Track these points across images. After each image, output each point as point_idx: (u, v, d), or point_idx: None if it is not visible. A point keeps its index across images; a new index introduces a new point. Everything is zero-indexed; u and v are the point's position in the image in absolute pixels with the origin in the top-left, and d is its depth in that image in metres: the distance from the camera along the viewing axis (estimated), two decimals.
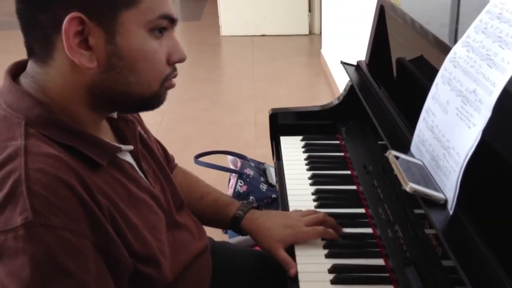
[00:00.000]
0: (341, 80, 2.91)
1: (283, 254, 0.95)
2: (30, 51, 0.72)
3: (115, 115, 0.84)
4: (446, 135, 0.79)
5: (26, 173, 0.62)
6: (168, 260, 0.80)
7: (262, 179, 2.00)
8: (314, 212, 1.05)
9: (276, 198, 1.86)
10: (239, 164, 2.06)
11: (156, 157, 0.92)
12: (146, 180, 0.84)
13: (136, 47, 0.70)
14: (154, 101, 0.77)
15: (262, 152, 2.54)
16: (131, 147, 0.81)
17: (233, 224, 1.04)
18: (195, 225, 0.98)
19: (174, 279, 0.81)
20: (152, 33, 0.72)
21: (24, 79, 0.74)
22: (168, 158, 1.11)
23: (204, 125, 3.13)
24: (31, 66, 0.73)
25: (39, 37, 0.70)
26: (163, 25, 0.72)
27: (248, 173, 1.98)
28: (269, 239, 0.99)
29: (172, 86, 0.77)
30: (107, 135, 0.80)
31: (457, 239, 0.69)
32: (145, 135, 0.93)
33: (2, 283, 0.60)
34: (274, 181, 1.98)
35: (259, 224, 1.02)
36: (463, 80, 0.77)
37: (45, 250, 0.61)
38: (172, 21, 0.74)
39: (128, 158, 0.82)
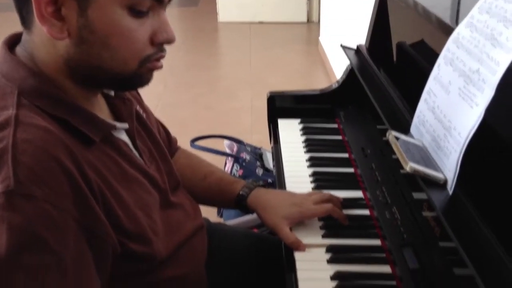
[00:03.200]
0: (339, 69, 2.90)
1: (288, 232, 0.94)
2: (21, 17, 0.71)
3: (112, 92, 0.83)
4: (448, 115, 0.79)
5: (14, 142, 0.61)
6: (161, 238, 0.80)
7: (258, 163, 1.99)
8: (320, 192, 1.04)
9: (272, 183, 1.86)
10: (235, 149, 2.05)
11: (153, 137, 0.91)
12: (140, 159, 0.83)
13: (109, 22, 0.68)
14: (136, 80, 0.75)
15: (258, 138, 2.54)
16: (126, 125, 0.80)
17: (239, 202, 1.03)
18: (191, 204, 0.97)
19: (168, 257, 0.81)
20: (131, 11, 0.69)
21: (19, 49, 0.73)
22: (171, 140, 1.10)
23: (200, 111, 3.11)
24: (23, 34, 0.73)
25: (24, 1, 0.69)
26: (144, 4, 0.70)
27: (244, 157, 1.97)
28: (275, 216, 0.97)
29: (156, 67, 0.75)
30: (102, 112, 0.79)
31: (456, 219, 0.69)
32: (143, 115, 0.92)
33: None
34: (271, 166, 1.97)
35: (265, 201, 1.00)
36: (466, 60, 0.77)
37: (23, 220, 0.59)
38: (159, 1, 0.71)
39: (123, 136, 0.81)
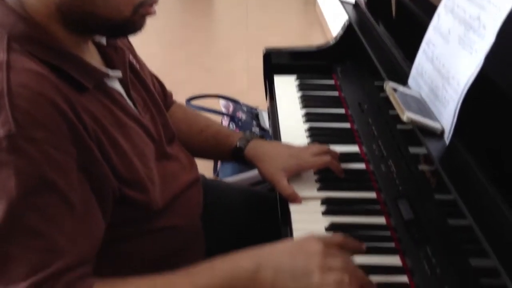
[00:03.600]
0: (336, 28, 2.85)
1: (285, 184, 0.92)
2: None
3: (104, 41, 0.81)
4: (447, 65, 0.77)
5: (9, 87, 0.60)
6: (158, 188, 0.79)
7: (254, 122, 1.98)
8: (317, 144, 1.03)
9: None
10: (231, 108, 2.04)
11: (147, 87, 0.90)
12: (134, 109, 0.82)
13: None
14: (129, 26, 0.73)
15: (254, 99, 2.51)
16: (119, 73, 0.79)
17: (236, 154, 1.02)
18: (187, 158, 0.97)
19: (164, 207, 0.81)
20: None
21: None
22: (166, 94, 1.09)
23: (195, 71, 3.08)
24: None
25: None
26: None
27: (240, 116, 1.96)
28: (272, 167, 0.95)
29: (149, 12, 0.73)
30: (94, 60, 0.77)
31: (453, 168, 0.69)
32: (136, 65, 0.91)
33: None
34: (267, 126, 1.97)
35: (263, 153, 0.99)
36: (467, 7, 0.75)
37: (28, 162, 0.59)
38: None
39: (117, 85, 0.79)
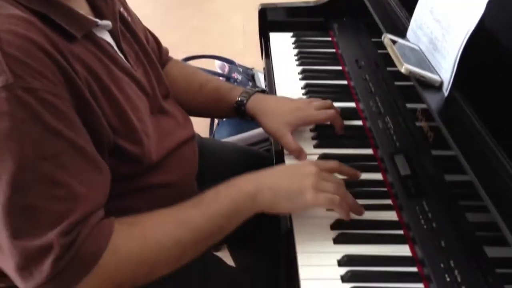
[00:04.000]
0: None
1: (291, 139, 0.90)
2: None
3: None
4: (447, 14, 0.75)
5: None
6: (152, 141, 0.78)
7: (250, 83, 1.95)
8: (320, 98, 0.99)
9: None
10: (226, 69, 2.01)
11: (139, 41, 0.87)
12: (126, 62, 0.79)
13: None
14: None
15: (250, 61, 2.47)
16: (108, 23, 0.76)
17: (237, 108, 0.98)
18: (181, 114, 0.94)
19: (158, 162, 0.79)
20: None
21: None
22: (161, 49, 1.06)
23: (190, 33, 3.02)
24: None
25: None
26: None
27: (236, 77, 1.94)
28: (276, 121, 0.92)
29: None
30: (82, 10, 0.74)
31: (452, 119, 0.68)
32: (128, 18, 0.88)
33: None
34: (263, 86, 1.94)
35: (265, 106, 0.95)
36: None
37: (29, 112, 0.58)
38: None
39: (107, 37, 0.77)
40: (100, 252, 0.62)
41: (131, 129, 0.73)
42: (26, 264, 0.59)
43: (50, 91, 0.60)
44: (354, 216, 0.77)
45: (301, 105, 0.95)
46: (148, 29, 1.02)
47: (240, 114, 1.00)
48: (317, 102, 0.97)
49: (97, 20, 0.73)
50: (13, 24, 0.60)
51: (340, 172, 0.78)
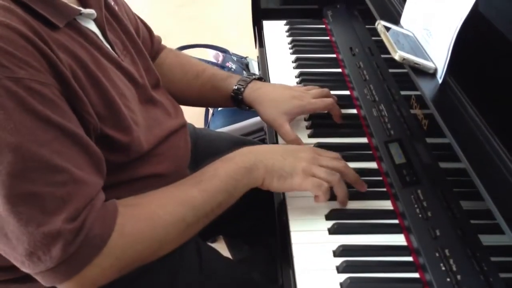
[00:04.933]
0: None
1: (289, 129, 0.89)
2: None
3: None
4: (441, 0, 0.73)
5: None
6: (142, 130, 0.77)
7: (244, 73, 1.94)
8: (317, 86, 0.98)
9: None
10: (220, 58, 1.99)
11: (126, 30, 0.85)
12: (112, 51, 0.78)
13: None
14: None
15: (245, 50, 2.45)
16: (92, 12, 0.74)
17: (234, 97, 0.97)
18: (171, 104, 0.93)
19: (148, 151, 0.78)
20: None
21: None
22: (153, 38, 1.04)
23: (184, 21, 2.99)
24: None
25: None
26: None
27: (230, 66, 1.92)
28: (274, 110, 0.91)
29: None
30: None
31: (446, 106, 0.67)
32: (115, 6, 0.86)
33: None
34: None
35: (263, 95, 0.94)
36: None
37: (18, 101, 0.57)
38: None
39: (92, 26, 0.75)
40: (108, 233, 0.64)
41: (119, 116, 0.72)
42: (35, 250, 0.60)
43: (37, 79, 0.59)
44: (349, 206, 0.76)
45: (299, 93, 0.94)
46: (139, 18, 1.00)
47: (237, 103, 0.98)
48: (315, 90, 0.96)
49: (80, 8, 0.71)
50: None
51: (343, 175, 0.77)
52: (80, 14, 0.71)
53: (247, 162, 0.74)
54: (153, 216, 0.69)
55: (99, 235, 0.63)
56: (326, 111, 0.94)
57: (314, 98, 0.93)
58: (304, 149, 0.78)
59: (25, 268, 0.62)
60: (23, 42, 0.59)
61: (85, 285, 0.64)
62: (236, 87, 0.97)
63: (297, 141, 0.89)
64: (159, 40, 1.06)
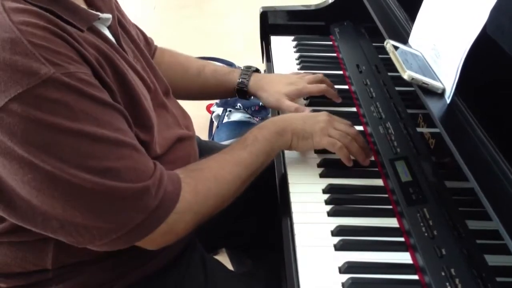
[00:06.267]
0: None
1: (290, 102, 1.01)
2: None
3: None
4: (450, 21, 0.75)
5: (18, 28, 0.60)
6: (156, 131, 0.79)
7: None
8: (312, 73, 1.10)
9: (264, 106, 1.83)
10: None
11: (134, 40, 0.88)
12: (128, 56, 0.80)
13: None
14: None
15: (250, 62, 2.46)
16: (109, 16, 0.77)
17: (239, 90, 1.07)
18: (182, 115, 0.94)
19: (161, 155, 0.80)
20: None
21: None
22: (148, 41, 1.07)
23: (189, 33, 3.01)
24: None
25: None
26: None
27: None
28: (276, 93, 1.03)
29: None
30: (82, 6, 0.74)
31: (455, 126, 0.67)
32: (121, 17, 0.88)
33: (60, 133, 0.61)
34: None
35: (265, 83, 1.06)
36: None
37: (78, 92, 0.62)
38: None
39: (108, 33, 0.77)
40: (178, 190, 0.72)
41: (142, 114, 0.75)
42: (126, 208, 0.67)
43: (83, 72, 0.64)
44: (355, 222, 0.77)
45: (295, 79, 1.06)
46: (135, 24, 1.02)
47: (241, 94, 1.08)
48: (309, 76, 1.07)
49: (98, 13, 0.73)
50: (27, 17, 0.61)
51: (355, 140, 0.89)
52: (99, 19, 0.73)
53: (278, 127, 0.86)
54: (217, 176, 0.79)
55: (172, 191, 0.72)
56: (320, 94, 1.05)
57: (309, 83, 1.05)
58: (321, 114, 0.91)
59: (114, 233, 0.67)
60: (59, 40, 0.62)
61: (172, 234, 0.73)
62: (240, 80, 1.07)
63: (301, 108, 1.00)
64: (152, 41, 1.10)
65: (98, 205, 0.65)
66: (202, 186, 0.76)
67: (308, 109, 0.99)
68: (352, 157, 0.88)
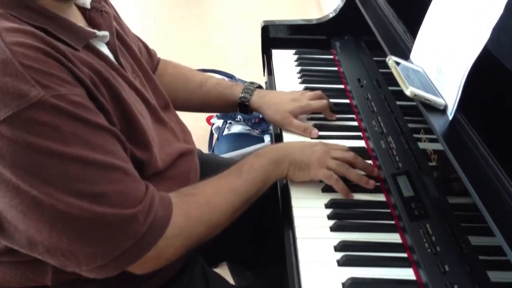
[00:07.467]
0: (331, 5, 2.80)
1: (298, 122, 1.02)
2: None
3: (88, 4, 0.79)
4: (452, 38, 0.75)
5: (9, 49, 0.59)
6: (157, 148, 0.79)
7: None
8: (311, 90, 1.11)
9: (264, 118, 1.84)
10: None
11: (134, 54, 0.89)
12: (126, 72, 0.80)
13: None
14: None
15: (250, 74, 2.47)
16: (106, 34, 0.77)
17: (241, 104, 1.08)
18: (181, 129, 0.94)
19: (163, 170, 0.80)
20: None
21: None
22: (150, 53, 1.08)
23: (190, 45, 3.03)
24: None
25: None
26: None
27: None
28: (281, 111, 1.04)
29: None
30: (79, 23, 0.74)
31: (457, 143, 0.68)
32: (122, 32, 0.88)
33: (47, 150, 0.60)
34: None
35: (268, 100, 1.07)
36: None
37: (67, 115, 0.61)
38: None
39: (105, 50, 0.77)
40: (169, 215, 0.71)
41: (139, 132, 0.74)
42: (115, 233, 0.65)
43: (75, 93, 0.63)
44: (358, 237, 0.77)
45: (297, 96, 1.07)
46: (137, 36, 1.02)
47: (242, 109, 1.09)
48: (310, 93, 1.08)
49: (95, 31, 0.73)
50: (20, 37, 0.61)
51: (353, 164, 0.89)
52: (95, 36, 0.73)
53: (275, 156, 0.86)
54: (211, 202, 0.78)
55: (162, 216, 0.70)
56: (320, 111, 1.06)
57: (310, 100, 1.06)
58: (318, 144, 0.91)
59: (101, 259, 0.65)
60: (53, 61, 0.62)
61: (161, 259, 0.72)
62: (242, 95, 1.07)
63: (310, 128, 1.01)
64: (154, 53, 1.11)
65: (85, 231, 0.64)
66: (194, 212, 0.75)
67: (316, 130, 1.01)
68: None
